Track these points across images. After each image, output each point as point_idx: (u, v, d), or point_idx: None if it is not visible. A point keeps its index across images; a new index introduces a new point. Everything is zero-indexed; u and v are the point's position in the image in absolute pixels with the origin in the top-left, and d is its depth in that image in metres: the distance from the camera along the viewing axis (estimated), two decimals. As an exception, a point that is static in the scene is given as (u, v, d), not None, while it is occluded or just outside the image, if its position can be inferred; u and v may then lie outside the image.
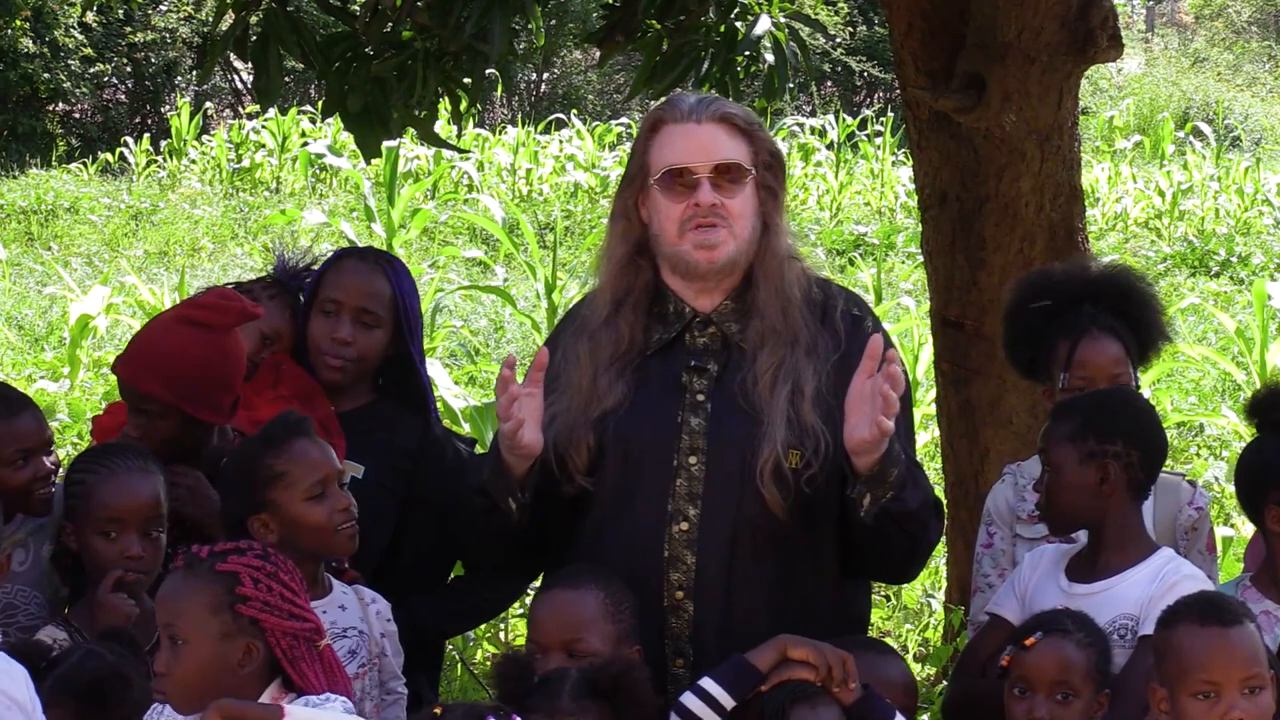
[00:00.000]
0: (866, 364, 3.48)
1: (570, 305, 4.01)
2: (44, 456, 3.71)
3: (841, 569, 3.73)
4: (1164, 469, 4.03)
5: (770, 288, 3.67)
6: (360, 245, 4.55)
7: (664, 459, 3.62)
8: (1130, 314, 4.11)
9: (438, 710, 3.10)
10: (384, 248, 13.92)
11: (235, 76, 27.07)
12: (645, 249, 3.73)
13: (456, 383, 10.07)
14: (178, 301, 4.14)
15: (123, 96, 26.39)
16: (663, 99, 3.79)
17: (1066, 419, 3.68)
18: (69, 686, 3.25)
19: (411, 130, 5.45)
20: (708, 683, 3.34)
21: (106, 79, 25.25)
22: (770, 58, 5.86)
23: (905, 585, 7.94)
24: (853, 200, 21.87)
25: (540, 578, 3.89)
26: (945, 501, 5.85)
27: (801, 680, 3.33)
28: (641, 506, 3.63)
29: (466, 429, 7.90)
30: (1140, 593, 3.58)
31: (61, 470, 3.77)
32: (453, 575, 4.38)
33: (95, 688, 3.27)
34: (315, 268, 4.40)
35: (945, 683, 4.93)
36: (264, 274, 4.52)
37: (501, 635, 6.80)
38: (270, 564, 3.11)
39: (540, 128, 24.72)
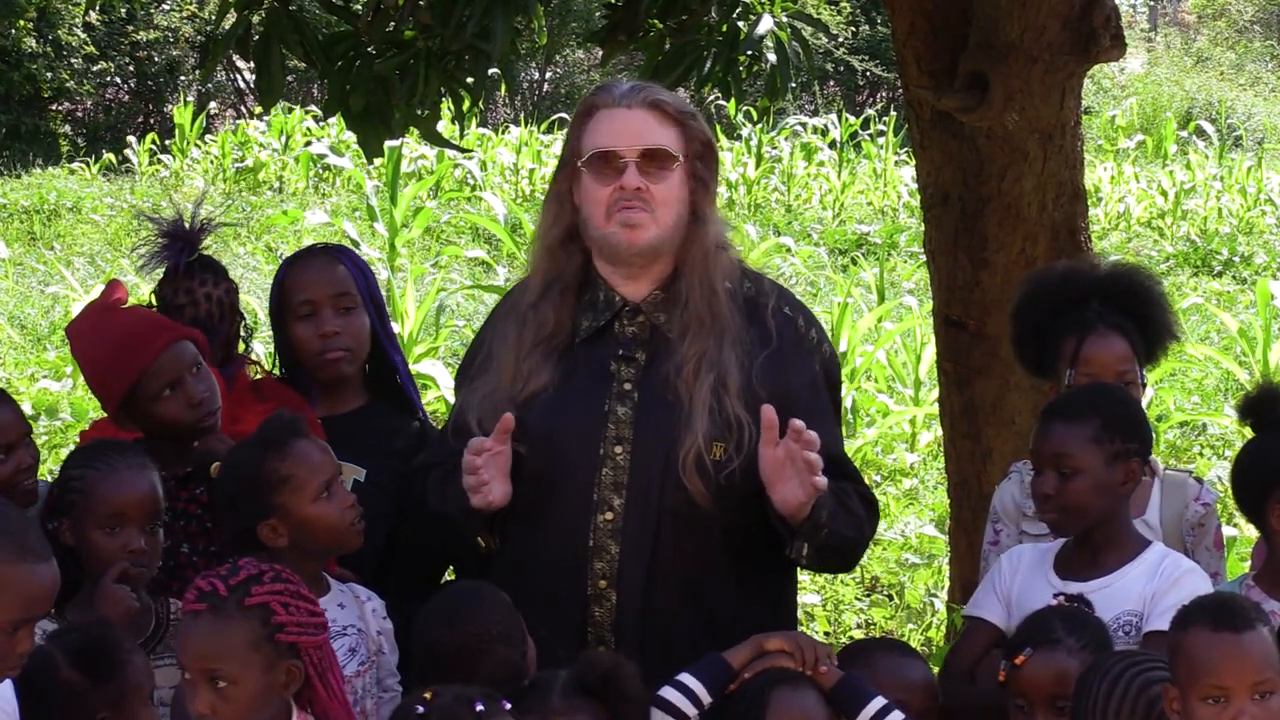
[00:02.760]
0: (766, 434, 3.52)
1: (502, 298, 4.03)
2: (23, 448, 3.72)
3: (765, 558, 3.75)
4: (1171, 466, 4.03)
5: (695, 277, 3.70)
6: (309, 245, 4.59)
7: (590, 448, 3.65)
8: (1138, 312, 4.10)
9: (428, 695, 3.12)
10: (386, 247, 13.95)
11: (238, 76, 27.07)
12: (577, 234, 3.76)
13: (459, 382, 10.05)
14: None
15: (126, 96, 26.40)
16: (598, 85, 3.82)
17: (1081, 421, 3.64)
18: (65, 643, 3.28)
19: (414, 129, 5.44)
20: (687, 678, 3.39)
21: (110, 78, 25.26)
22: (772, 57, 5.86)
23: (908, 585, 7.96)
24: (855, 200, 21.86)
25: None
26: (949, 500, 5.86)
27: (782, 667, 3.38)
28: (567, 495, 3.65)
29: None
30: (1141, 589, 3.59)
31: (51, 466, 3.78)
32: (447, 579, 4.39)
33: (92, 644, 3.28)
34: (204, 225, 4.41)
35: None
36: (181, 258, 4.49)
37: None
38: (290, 584, 3.16)
39: (543, 127, 24.71)
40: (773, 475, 3.53)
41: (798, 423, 3.49)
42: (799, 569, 3.88)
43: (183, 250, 4.39)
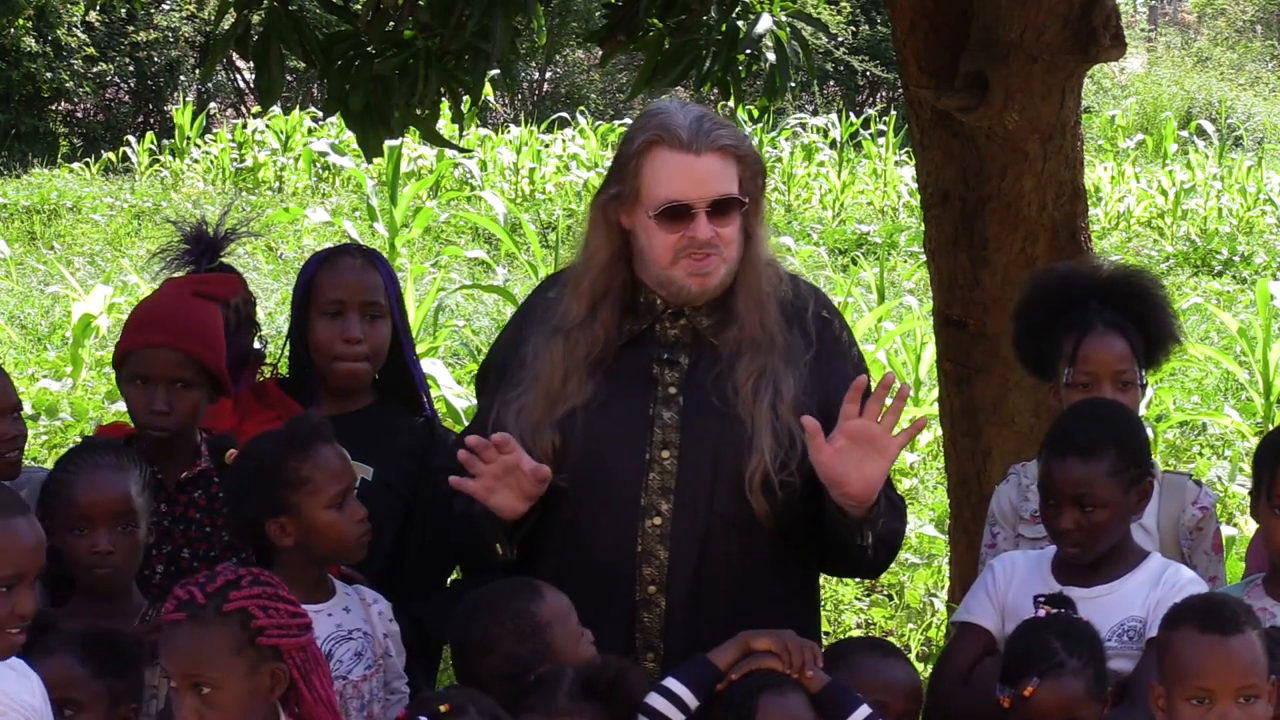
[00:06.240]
0: (814, 442, 3.50)
1: (530, 294, 4.00)
2: (9, 420, 3.73)
3: (808, 564, 3.79)
4: (1168, 468, 4.01)
5: (749, 298, 3.71)
6: (343, 244, 4.62)
7: (635, 453, 3.64)
8: (1139, 313, 4.08)
9: (444, 708, 3.10)
10: (386, 246, 13.96)
11: (238, 76, 27.08)
12: (623, 252, 3.74)
13: (459, 382, 10.08)
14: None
15: (125, 96, 26.41)
16: (658, 115, 3.73)
17: (1098, 456, 3.57)
18: (77, 636, 3.32)
19: (414, 129, 5.44)
20: (672, 682, 3.38)
21: (109, 78, 25.27)
22: (772, 57, 5.86)
23: (908, 585, 7.96)
24: (855, 199, 21.88)
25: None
26: (949, 500, 5.86)
27: (769, 669, 3.37)
28: (613, 500, 3.64)
29: (469, 428, 7.89)
30: (1145, 595, 3.57)
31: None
32: (453, 578, 4.38)
33: (105, 638, 3.33)
34: (227, 234, 4.40)
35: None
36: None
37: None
38: (269, 586, 3.14)
39: (543, 127, 24.72)
40: (837, 474, 3.52)
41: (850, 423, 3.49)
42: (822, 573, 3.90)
43: (204, 257, 4.39)
